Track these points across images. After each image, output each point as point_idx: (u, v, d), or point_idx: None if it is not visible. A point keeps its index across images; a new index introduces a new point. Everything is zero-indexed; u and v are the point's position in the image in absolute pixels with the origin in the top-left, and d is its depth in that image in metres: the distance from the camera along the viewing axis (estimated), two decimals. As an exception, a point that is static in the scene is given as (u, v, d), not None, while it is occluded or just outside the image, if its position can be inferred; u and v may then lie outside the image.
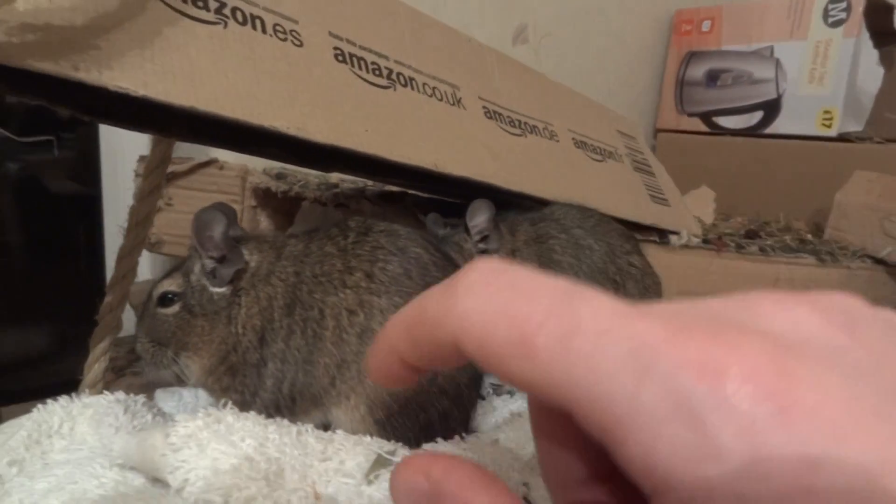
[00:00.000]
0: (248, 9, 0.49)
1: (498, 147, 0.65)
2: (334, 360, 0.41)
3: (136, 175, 1.04)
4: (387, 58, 0.59)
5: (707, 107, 1.53)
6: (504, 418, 0.46)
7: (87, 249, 1.29)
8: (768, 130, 1.43)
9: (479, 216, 0.59)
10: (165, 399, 0.59)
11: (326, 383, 0.41)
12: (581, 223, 0.64)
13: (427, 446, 0.36)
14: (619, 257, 0.64)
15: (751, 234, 1.08)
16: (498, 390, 0.57)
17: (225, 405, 0.33)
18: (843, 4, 1.28)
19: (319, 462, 0.31)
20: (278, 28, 0.51)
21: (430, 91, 0.62)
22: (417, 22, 0.65)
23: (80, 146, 1.24)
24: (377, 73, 0.57)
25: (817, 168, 1.33)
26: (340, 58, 0.55)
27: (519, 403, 0.51)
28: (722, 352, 0.15)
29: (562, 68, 1.44)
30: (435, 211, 0.65)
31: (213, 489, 0.28)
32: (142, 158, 1.04)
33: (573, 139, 0.78)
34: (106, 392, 0.43)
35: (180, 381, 0.66)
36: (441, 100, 0.63)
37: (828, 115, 1.32)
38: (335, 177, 1.03)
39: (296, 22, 0.53)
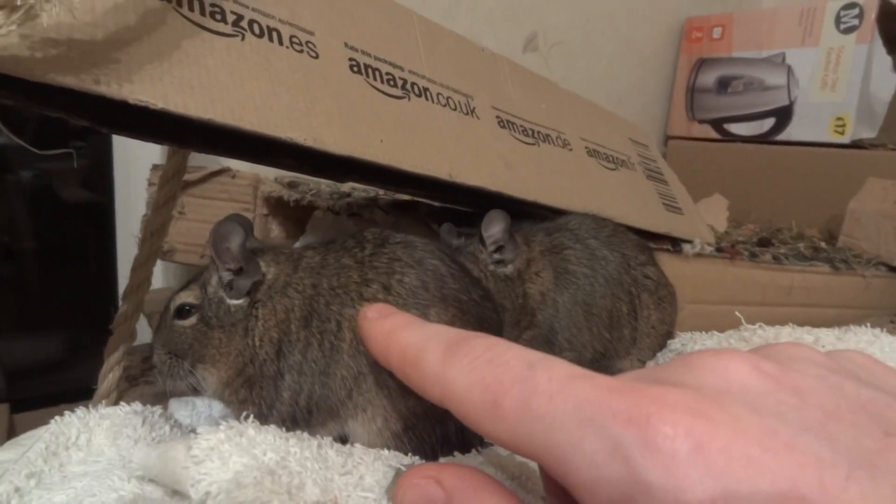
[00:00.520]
0: (264, 21, 0.50)
1: (511, 156, 0.65)
2: (351, 372, 0.41)
3: (150, 184, 1.04)
4: (401, 68, 0.59)
5: (718, 114, 1.52)
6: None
7: (100, 258, 1.30)
8: (780, 137, 1.42)
9: (495, 226, 0.58)
10: (179, 408, 0.59)
11: (343, 395, 0.41)
12: (596, 234, 0.64)
13: (444, 460, 0.36)
14: (634, 268, 0.64)
15: (763, 242, 1.07)
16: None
17: (247, 418, 0.33)
18: (856, 11, 1.27)
19: (340, 476, 0.31)
20: (294, 40, 0.51)
21: (443, 101, 0.62)
22: (430, 32, 0.65)
23: (93, 155, 1.25)
24: (392, 83, 0.58)
25: (830, 175, 1.32)
26: (356, 69, 0.55)
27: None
28: (647, 403, 0.18)
29: (572, 76, 1.44)
30: (448, 220, 0.65)
31: (236, 502, 0.28)
32: (155, 167, 1.05)
33: (586, 148, 0.78)
34: (123, 403, 0.44)
35: (196, 392, 0.66)
36: (455, 109, 0.63)
37: (840, 122, 1.32)
38: (347, 186, 1.03)
39: (312, 34, 0.53)
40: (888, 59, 1.29)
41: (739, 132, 1.49)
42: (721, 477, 0.17)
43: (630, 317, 0.63)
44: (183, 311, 0.46)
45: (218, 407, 0.62)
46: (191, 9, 0.45)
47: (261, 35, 0.49)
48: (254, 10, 0.49)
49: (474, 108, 0.65)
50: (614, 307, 0.62)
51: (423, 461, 0.37)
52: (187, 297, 0.46)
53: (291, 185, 1.04)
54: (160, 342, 0.48)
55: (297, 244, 0.95)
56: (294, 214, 1.01)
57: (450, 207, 0.74)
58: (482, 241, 0.59)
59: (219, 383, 0.45)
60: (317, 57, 0.52)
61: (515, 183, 0.63)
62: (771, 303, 0.94)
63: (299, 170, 0.61)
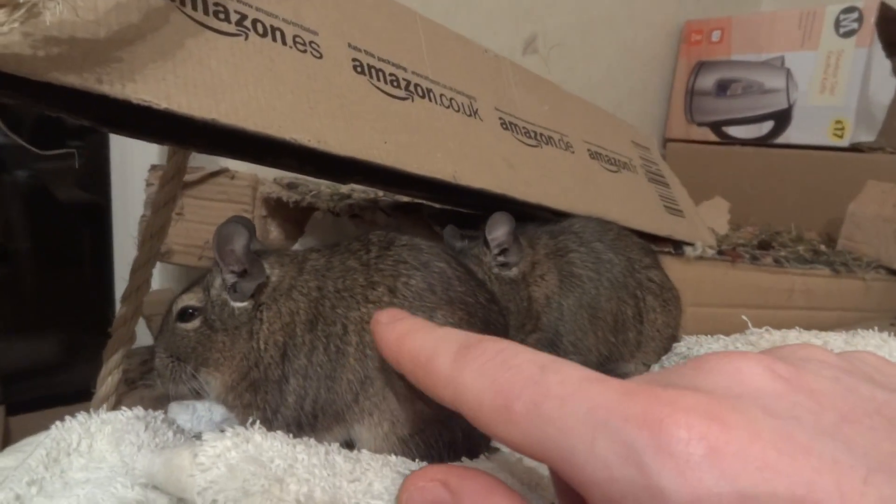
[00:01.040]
0: (268, 20, 0.49)
1: (514, 158, 0.65)
2: (357, 375, 0.41)
3: (148, 184, 1.04)
4: (404, 69, 0.59)
5: (717, 116, 1.52)
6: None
7: (97, 259, 1.29)
8: (779, 140, 1.42)
9: (499, 229, 0.58)
10: (179, 412, 0.59)
11: (349, 399, 0.41)
12: (601, 237, 0.63)
13: (453, 465, 0.36)
14: (639, 272, 0.63)
15: (764, 245, 1.07)
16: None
17: (252, 423, 0.32)
18: (855, 15, 1.27)
19: (348, 483, 0.31)
20: (298, 40, 0.51)
21: (447, 102, 0.61)
22: (434, 32, 0.65)
23: (89, 155, 1.24)
24: (395, 84, 0.57)
25: (829, 178, 1.32)
26: (359, 69, 0.54)
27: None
28: (660, 406, 0.18)
29: (571, 78, 1.44)
30: (451, 222, 0.64)
31: (243, 512, 0.28)
32: (153, 168, 1.04)
33: (588, 150, 0.77)
34: (124, 408, 0.43)
35: (198, 396, 0.65)
36: (458, 111, 0.62)
37: (839, 126, 1.32)
38: (347, 187, 1.03)
39: (315, 34, 0.52)
40: (887, 63, 1.29)
41: (738, 135, 1.49)
42: (736, 481, 0.16)
43: (635, 320, 0.62)
44: (186, 315, 0.46)
45: (219, 411, 0.61)
46: (194, 7, 0.45)
47: (264, 35, 0.49)
48: (257, 9, 0.49)
49: (477, 109, 0.65)
50: (619, 310, 0.61)
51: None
52: (190, 301, 0.46)
53: (291, 186, 1.03)
54: (162, 346, 0.47)
55: (296, 246, 0.95)
56: (293, 216, 1.01)
57: (452, 209, 0.74)
58: (486, 243, 0.59)
59: (222, 387, 0.44)
60: (320, 57, 0.52)
61: (519, 185, 0.62)
62: (772, 306, 0.93)
63: (301, 170, 0.61)
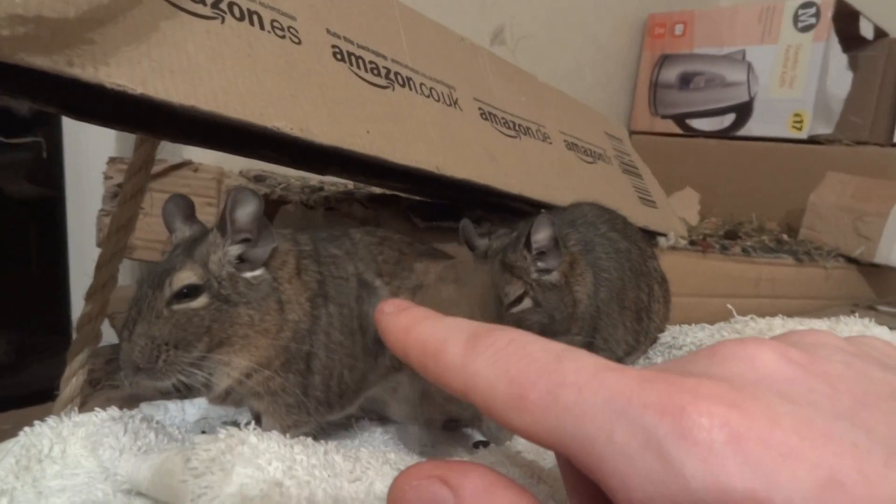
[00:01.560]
0: (245, 4, 0.47)
1: (495, 149, 0.64)
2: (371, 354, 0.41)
3: (106, 177, 0.99)
4: (384, 57, 0.57)
5: (680, 109, 1.55)
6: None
7: (50, 256, 1.23)
8: (740, 132, 1.45)
9: (542, 232, 0.52)
10: (150, 413, 0.56)
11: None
12: (612, 225, 0.61)
13: (457, 459, 0.35)
14: (648, 260, 0.62)
15: (730, 235, 1.09)
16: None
17: (248, 424, 0.31)
18: (813, 10, 1.31)
19: (349, 483, 0.29)
20: (276, 24, 0.49)
21: (427, 91, 0.60)
22: (412, 20, 0.63)
23: (41, 148, 1.18)
24: (375, 72, 0.56)
25: (788, 170, 1.36)
26: (339, 56, 0.53)
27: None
28: (680, 394, 0.18)
29: (538, 70, 1.43)
30: (430, 214, 0.63)
31: (242, 518, 0.26)
32: (112, 160, 1.00)
33: (565, 141, 0.77)
34: (98, 409, 0.40)
35: (186, 390, 0.63)
36: (438, 100, 0.61)
37: (798, 118, 1.35)
38: (316, 179, 1.01)
39: (294, 18, 0.50)
40: (844, 57, 1.33)
41: (701, 127, 1.52)
42: (760, 467, 0.16)
43: (647, 309, 0.61)
44: (186, 294, 0.41)
45: (191, 410, 0.59)
46: (168, -12, 0.42)
47: (241, 18, 0.47)
48: (233, -9, 0.47)
49: (457, 99, 0.64)
50: (639, 299, 0.59)
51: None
52: (189, 278, 0.41)
53: (258, 179, 1.00)
54: (146, 335, 0.41)
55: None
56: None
57: (432, 201, 0.73)
58: (528, 246, 0.53)
59: (246, 370, 0.41)
60: (299, 43, 0.50)
61: (500, 176, 0.61)
62: (740, 294, 0.95)
63: (277, 161, 0.59)
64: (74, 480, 0.34)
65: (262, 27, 0.47)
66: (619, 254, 0.59)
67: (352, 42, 0.55)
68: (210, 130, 0.51)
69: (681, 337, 0.62)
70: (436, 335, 0.26)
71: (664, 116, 1.58)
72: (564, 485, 0.26)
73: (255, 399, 0.42)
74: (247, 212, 0.42)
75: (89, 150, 1.17)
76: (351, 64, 0.53)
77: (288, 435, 0.31)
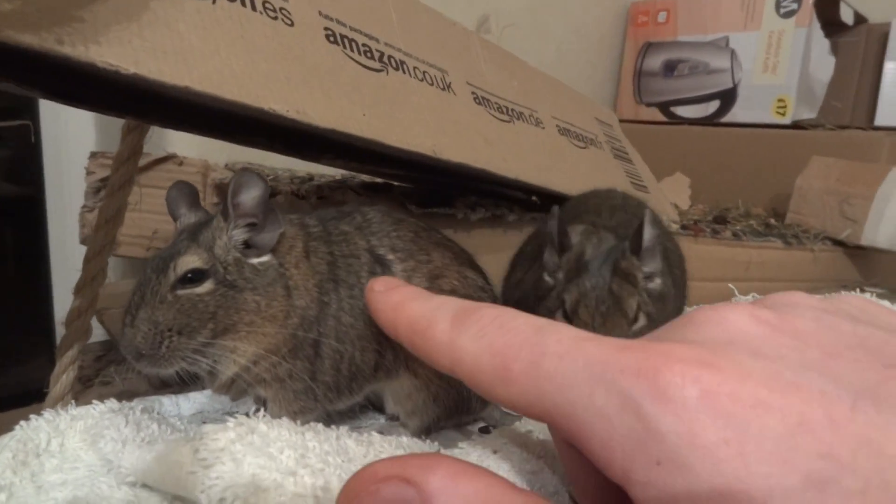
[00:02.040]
0: (236, -17, 0.46)
1: (490, 133, 0.63)
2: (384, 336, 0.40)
3: (88, 172, 0.97)
4: (377, 40, 0.56)
5: (665, 97, 1.55)
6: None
7: (29, 254, 1.21)
8: (725, 119, 1.46)
9: (651, 230, 0.45)
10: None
11: (379, 360, 0.40)
12: (636, 210, 0.55)
13: (463, 443, 0.34)
14: (668, 240, 0.60)
15: (719, 220, 1.10)
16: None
17: (256, 412, 0.30)
18: (795, -5, 1.31)
19: (364, 469, 0.29)
20: (268, 6, 0.47)
21: (420, 75, 0.59)
22: (403, 3, 0.62)
23: (18, 142, 1.15)
24: (369, 55, 0.54)
25: (773, 155, 1.36)
26: (332, 39, 0.52)
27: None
28: (654, 357, 0.19)
29: (524, 59, 1.44)
30: (423, 201, 0.62)
31: (256, 508, 0.25)
32: (93, 155, 0.98)
33: (557, 126, 0.76)
34: (95, 402, 0.39)
35: (160, 390, 0.61)
36: (432, 84, 0.60)
37: (782, 104, 1.36)
38: (305, 170, 0.99)
39: (285, 0, 0.49)
40: (826, 43, 1.34)
41: (686, 115, 1.52)
42: (731, 418, 0.17)
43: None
44: (191, 278, 0.40)
45: (186, 405, 0.58)
46: (156, -33, 0.41)
47: (232, -1, 0.45)
48: (223, -29, 0.45)
49: (450, 83, 0.63)
50: (675, 281, 0.53)
51: (441, 450, 0.35)
52: (194, 262, 0.40)
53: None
54: (149, 320, 0.40)
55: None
56: (249, 202, 0.96)
57: (427, 189, 0.72)
58: (636, 251, 0.45)
59: (253, 356, 0.40)
60: (292, 25, 0.49)
61: (496, 160, 0.61)
62: (731, 278, 0.95)
63: (270, 147, 0.57)
64: (75, 474, 0.33)
65: (253, 8, 0.46)
66: (663, 237, 0.52)
67: (344, 24, 0.54)
68: (201, 116, 0.50)
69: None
70: (424, 313, 0.27)
71: (649, 104, 1.58)
72: (559, 456, 0.27)
73: (261, 386, 0.41)
74: (252, 195, 0.41)
75: (69, 145, 1.14)
76: (344, 47, 0.52)
77: (298, 422, 0.30)
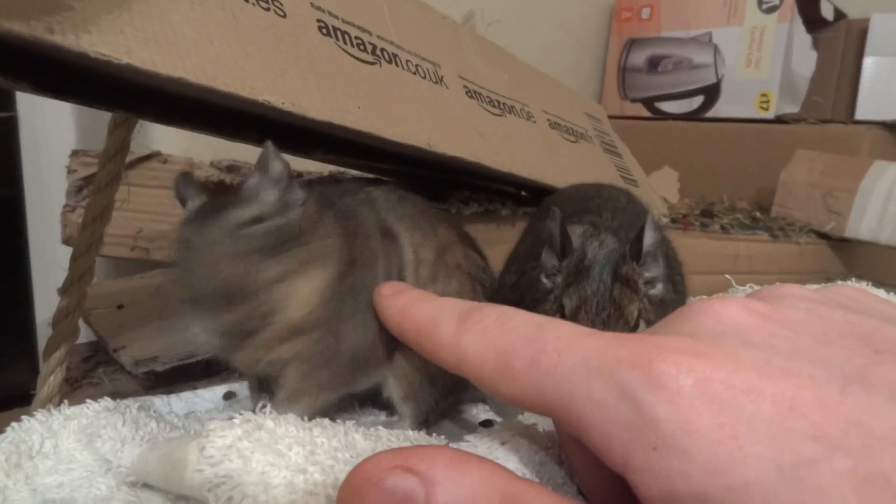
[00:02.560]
0: (227, -27, 0.45)
1: (483, 127, 0.63)
2: None
3: (70, 171, 0.95)
4: (370, 32, 0.56)
5: (649, 92, 1.56)
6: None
7: (8, 255, 1.18)
8: (709, 114, 1.47)
9: (650, 236, 0.42)
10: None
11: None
12: (641, 213, 0.53)
13: (469, 436, 0.34)
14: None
15: (707, 214, 1.10)
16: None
17: (263, 408, 0.29)
18: (777, -9, 1.33)
19: (373, 464, 0.28)
20: (260, -4, 0.47)
21: (413, 68, 0.59)
22: (394, -4, 0.62)
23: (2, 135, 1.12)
24: (362, 47, 0.54)
25: (756, 149, 1.38)
26: (325, 31, 0.51)
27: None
28: (649, 349, 0.19)
29: (509, 55, 1.44)
30: (419, 195, 0.61)
31: (266, 508, 0.25)
32: (75, 153, 0.96)
33: (548, 120, 0.76)
34: (89, 400, 0.38)
35: (150, 390, 0.60)
36: (425, 77, 0.60)
37: (765, 99, 1.38)
38: (294, 167, 0.98)
39: (278, -10, 0.48)
40: (808, 38, 1.36)
41: (670, 110, 1.53)
42: (725, 404, 0.18)
43: None
44: (249, 223, 0.38)
45: (178, 405, 0.57)
46: (146, -45, 0.40)
47: (224, -11, 0.44)
48: (214, -39, 0.44)
49: (442, 76, 0.62)
50: (675, 287, 0.50)
51: (448, 442, 0.35)
52: (247, 212, 0.38)
53: (231, 169, 0.97)
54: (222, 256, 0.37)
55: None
56: (236, 200, 0.95)
57: (418, 182, 0.71)
58: (636, 256, 0.43)
59: (311, 295, 0.39)
60: (284, 16, 0.48)
61: (491, 154, 0.60)
62: (719, 271, 0.96)
63: (260, 143, 0.56)
64: (71, 475, 0.32)
65: (245, -1, 0.45)
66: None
67: (336, 17, 0.53)
68: (191, 110, 0.49)
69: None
70: (429, 315, 0.28)
71: (633, 100, 1.59)
72: (564, 449, 0.27)
73: (270, 369, 0.40)
74: (274, 164, 0.40)
75: (50, 144, 1.12)
76: (337, 39, 0.52)
77: (305, 417, 0.29)
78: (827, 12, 1.37)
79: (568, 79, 1.59)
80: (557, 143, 0.75)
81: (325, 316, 0.40)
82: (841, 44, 1.40)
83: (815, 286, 0.27)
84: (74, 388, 0.63)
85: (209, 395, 0.56)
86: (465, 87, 0.65)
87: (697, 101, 1.48)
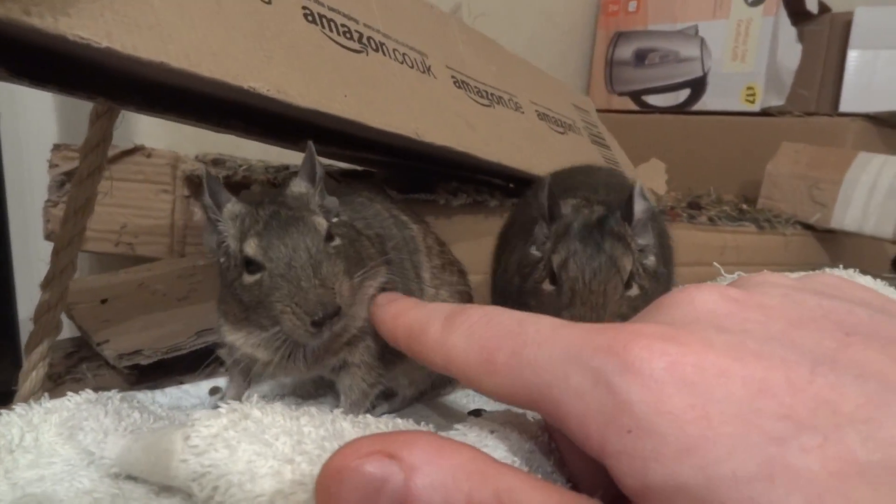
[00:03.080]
0: (210, -42, 0.44)
1: (471, 117, 0.62)
2: None
3: (51, 165, 0.94)
4: (356, 21, 0.55)
5: (636, 86, 1.56)
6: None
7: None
8: (695, 107, 1.48)
9: (640, 202, 0.44)
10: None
11: None
12: (623, 185, 0.54)
13: (459, 425, 0.33)
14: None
15: (694, 205, 1.11)
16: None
17: (250, 398, 0.29)
18: (762, -16, 1.33)
19: (362, 452, 0.28)
20: (244, -18, 0.46)
21: (400, 57, 0.58)
22: (381, -15, 0.61)
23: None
24: (348, 35, 0.53)
25: (743, 142, 1.38)
26: (310, 18, 0.50)
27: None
28: (623, 336, 0.20)
29: (497, 48, 1.43)
30: (406, 187, 0.61)
31: (252, 497, 0.24)
32: (56, 147, 0.94)
33: (536, 111, 0.76)
34: (70, 393, 0.37)
35: (134, 385, 0.59)
36: (412, 67, 0.59)
37: (751, 91, 1.38)
38: (278, 160, 0.97)
39: (262, -24, 0.47)
40: (793, 31, 1.37)
41: (657, 103, 1.53)
42: (696, 387, 0.18)
43: None
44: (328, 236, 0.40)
45: (162, 400, 0.56)
46: (126, -62, 0.39)
47: (206, -26, 0.43)
48: (197, -55, 0.44)
49: (430, 66, 0.62)
50: (665, 262, 0.52)
51: (436, 430, 0.34)
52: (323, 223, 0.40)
53: (216, 163, 0.96)
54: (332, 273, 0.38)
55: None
56: (221, 193, 0.94)
57: (406, 174, 0.71)
58: (627, 217, 0.43)
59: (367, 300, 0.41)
60: (269, 2, 0.47)
61: (479, 144, 0.60)
62: (706, 262, 0.96)
63: (245, 133, 0.56)
64: (52, 469, 0.32)
65: (229, -16, 0.45)
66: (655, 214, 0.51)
67: (322, 4, 0.52)
68: (174, 98, 0.48)
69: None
70: (419, 319, 0.29)
71: (621, 93, 1.59)
72: (552, 439, 0.28)
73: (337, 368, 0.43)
74: (320, 174, 0.42)
75: (30, 138, 1.10)
76: (323, 26, 0.51)
77: (293, 406, 0.29)
78: (811, 5, 1.38)
79: (555, 72, 1.59)
80: (545, 133, 0.75)
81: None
82: (825, 37, 1.41)
83: (797, 274, 0.27)
84: (57, 384, 0.62)
85: (195, 391, 0.56)
86: (452, 76, 0.64)
87: (684, 94, 1.49)
